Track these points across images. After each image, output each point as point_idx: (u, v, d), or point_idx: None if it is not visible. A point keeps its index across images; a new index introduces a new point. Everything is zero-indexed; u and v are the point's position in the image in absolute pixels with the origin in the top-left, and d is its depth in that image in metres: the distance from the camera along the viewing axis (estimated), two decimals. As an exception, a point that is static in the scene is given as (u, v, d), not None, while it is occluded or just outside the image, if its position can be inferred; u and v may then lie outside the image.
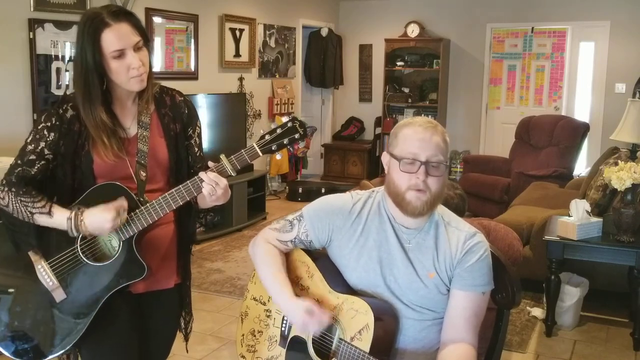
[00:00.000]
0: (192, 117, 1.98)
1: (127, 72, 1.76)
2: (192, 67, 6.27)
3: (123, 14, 1.77)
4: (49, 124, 1.78)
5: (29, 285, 1.81)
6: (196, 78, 6.31)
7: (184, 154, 1.96)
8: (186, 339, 2.14)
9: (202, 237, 5.73)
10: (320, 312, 1.72)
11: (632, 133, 5.26)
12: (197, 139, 2.00)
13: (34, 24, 4.53)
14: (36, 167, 1.78)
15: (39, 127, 1.79)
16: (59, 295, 1.80)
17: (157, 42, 5.85)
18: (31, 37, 4.52)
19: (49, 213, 1.75)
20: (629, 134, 5.29)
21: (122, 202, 1.76)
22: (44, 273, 1.79)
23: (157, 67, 5.85)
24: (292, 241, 1.91)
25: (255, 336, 1.97)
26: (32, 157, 1.77)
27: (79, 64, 1.77)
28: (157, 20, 5.77)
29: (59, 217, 1.75)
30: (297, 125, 1.79)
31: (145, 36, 1.82)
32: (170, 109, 1.94)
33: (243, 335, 2.01)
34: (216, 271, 4.95)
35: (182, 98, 1.99)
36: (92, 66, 1.74)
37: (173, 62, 6.12)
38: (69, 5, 4.73)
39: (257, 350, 1.95)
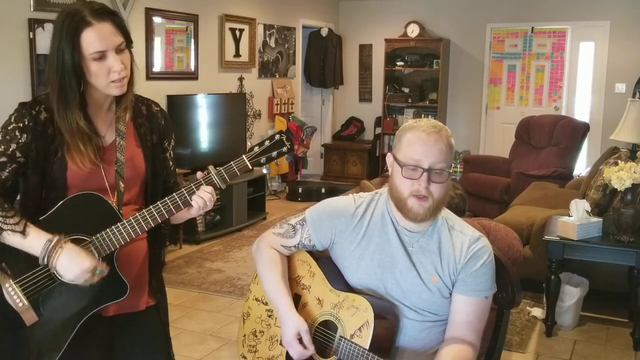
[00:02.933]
0: (169, 130, 1.87)
1: (107, 76, 1.63)
2: (192, 67, 6.27)
3: (106, 13, 1.64)
4: (20, 124, 1.63)
5: None
6: (196, 78, 6.31)
7: (160, 166, 1.84)
8: None
9: (202, 237, 5.73)
10: (309, 342, 1.75)
11: (632, 133, 5.27)
12: (172, 152, 1.89)
13: (34, 24, 4.53)
14: (7, 171, 1.61)
15: (9, 128, 1.62)
16: (29, 317, 1.60)
17: (157, 42, 5.85)
18: (31, 37, 4.53)
19: (23, 232, 1.57)
20: (629, 134, 5.30)
21: (104, 267, 1.62)
22: (13, 293, 1.58)
23: (157, 67, 5.85)
24: (296, 246, 1.91)
25: (256, 336, 1.97)
26: (3, 159, 1.61)
27: (54, 65, 1.63)
28: (157, 20, 5.76)
29: (35, 240, 1.57)
30: (285, 139, 1.73)
31: (128, 37, 1.70)
32: (147, 119, 1.83)
33: (245, 335, 2.01)
34: (216, 271, 4.95)
35: (159, 108, 1.88)
36: (70, 67, 1.61)
37: (173, 62, 6.11)
38: (69, 6, 4.72)
39: (258, 350, 1.95)
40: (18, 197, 1.70)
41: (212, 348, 3.59)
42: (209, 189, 1.68)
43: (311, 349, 1.76)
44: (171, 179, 1.88)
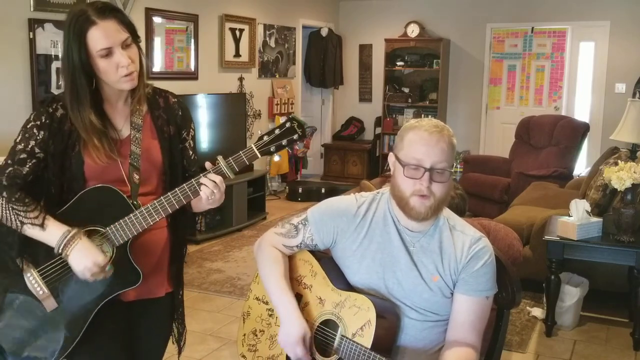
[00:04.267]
0: (187, 120, 1.92)
1: (116, 71, 1.70)
2: (192, 67, 6.27)
3: (109, 10, 1.70)
4: (38, 122, 1.72)
5: (17, 294, 1.72)
6: (196, 78, 6.31)
7: (179, 157, 1.89)
8: (179, 352, 2.05)
9: (202, 237, 5.73)
10: (311, 346, 1.76)
11: (632, 133, 5.27)
12: (191, 141, 1.93)
13: (34, 24, 4.53)
14: (27, 166, 1.70)
15: (29, 126, 1.72)
16: (50, 304, 1.71)
17: (157, 42, 5.85)
18: (31, 37, 4.52)
19: (42, 226, 1.67)
20: (629, 134, 5.30)
21: (109, 270, 1.69)
22: (34, 281, 1.70)
23: (157, 67, 5.85)
24: (298, 246, 1.91)
25: (256, 335, 1.97)
26: (23, 155, 1.70)
27: (65, 65, 1.70)
28: (157, 20, 5.77)
29: (53, 233, 1.67)
30: (296, 126, 1.74)
31: (134, 32, 1.75)
32: (164, 111, 1.88)
33: (244, 335, 2.01)
34: (216, 271, 4.95)
35: (176, 99, 1.92)
36: (79, 66, 1.68)
37: (173, 62, 6.12)
38: (69, 5, 4.72)
39: (258, 349, 1.95)
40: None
41: (212, 348, 3.59)
42: (215, 177, 1.72)
43: (309, 356, 1.77)
44: (192, 168, 1.93)
